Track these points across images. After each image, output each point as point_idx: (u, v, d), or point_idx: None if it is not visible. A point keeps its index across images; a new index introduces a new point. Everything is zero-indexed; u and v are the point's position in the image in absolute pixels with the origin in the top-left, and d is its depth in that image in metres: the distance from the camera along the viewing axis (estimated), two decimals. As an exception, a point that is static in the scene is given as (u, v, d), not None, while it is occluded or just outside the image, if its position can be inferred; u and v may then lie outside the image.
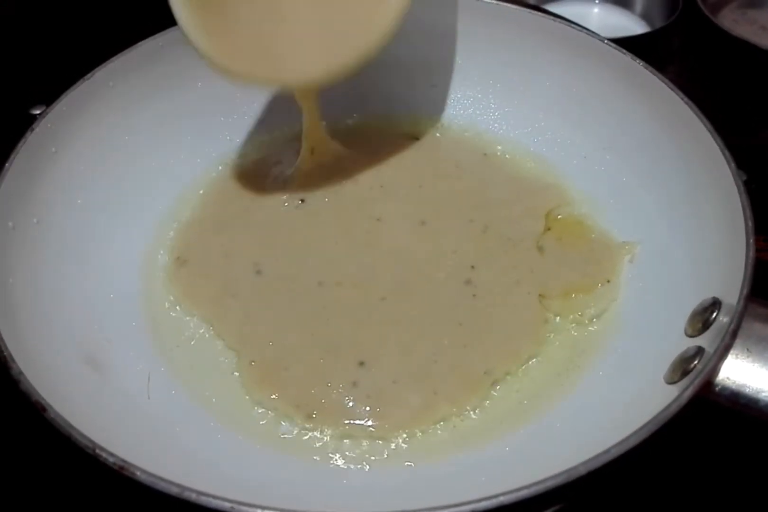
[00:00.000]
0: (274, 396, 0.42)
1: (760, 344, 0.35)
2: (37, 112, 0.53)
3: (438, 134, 0.56)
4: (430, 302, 0.46)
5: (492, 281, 0.47)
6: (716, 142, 0.42)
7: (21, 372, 0.34)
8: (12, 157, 0.42)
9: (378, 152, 0.54)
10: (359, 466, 0.40)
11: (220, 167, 0.54)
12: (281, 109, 0.55)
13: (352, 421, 0.41)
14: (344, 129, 0.56)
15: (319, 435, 0.41)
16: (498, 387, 0.43)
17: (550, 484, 0.30)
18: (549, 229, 0.50)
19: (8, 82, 0.66)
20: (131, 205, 0.50)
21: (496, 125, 0.57)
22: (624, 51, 0.49)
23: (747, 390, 0.35)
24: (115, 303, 0.45)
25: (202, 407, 0.42)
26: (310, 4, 0.43)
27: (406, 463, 0.40)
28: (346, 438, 0.41)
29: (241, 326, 0.45)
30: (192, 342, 0.45)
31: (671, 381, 0.36)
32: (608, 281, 0.47)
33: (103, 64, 0.48)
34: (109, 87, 0.49)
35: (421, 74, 0.56)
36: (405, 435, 0.41)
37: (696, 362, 0.35)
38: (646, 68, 0.48)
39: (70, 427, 0.32)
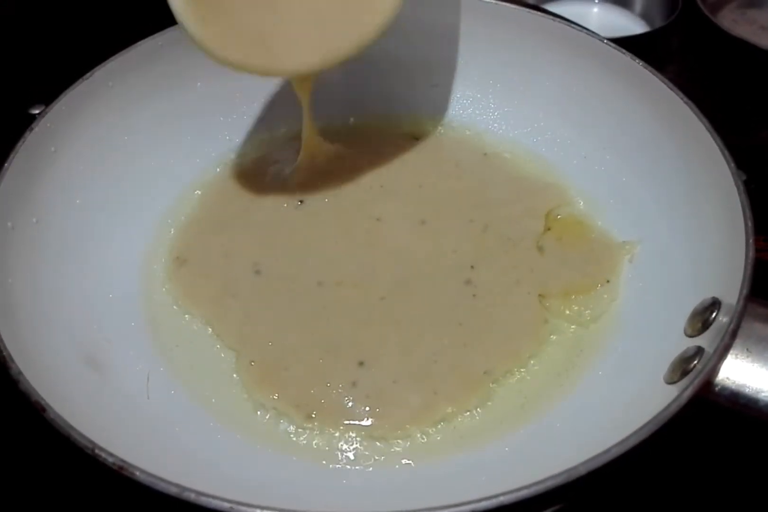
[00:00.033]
0: (273, 396, 0.42)
1: (760, 344, 0.35)
2: (37, 111, 0.53)
3: (438, 134, 0.56)
4: (430, 302, 0.46)
5: (492, 281, 0.47)
6: (716, 141, 0.42)
7: (20, 372, 0.34)
8: (11, 156, 0.42)
9: (378, 152, 0.54)
10: (359, 466, 0.40)
11: (219, 167, 0.54)
12: (281, 108, 0.55)
13: (351, 421, 0.41)
14: (344, 129, 0.56)
15: (318, 435, 0.41)
16: (498, 387, 0.43)
17: (550, 484, 0.30)
18: (549, 229, 0.50)
19: (7, 82, 0.66)
20: (131, 205, 0.50)
21: (496, 125, 0.57)
22: (624, 51, 0.49)
23: (747, 390, 0.35)
24: (114, 303, 0.45)
25: (202, 407, 0.42)
26: None
27: (405, 463, 0.40)
28: (346, 438, 0.41)
29: (240, 326, 0.45)
30: (192, 342, 0.45)
31: (671, 381, 0.36)
32: (608, 281, 0.47)
33: (103, 64, 0.48)
34: (109, 87, 0.49)
35: (421, 74, 0.56)
36: (405, 435, 0.41)
37: (696, 362, 0.35)
38: (645, 68, 0.48)
39: (70, 427, 0.32)
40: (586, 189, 0.52)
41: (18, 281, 0.40)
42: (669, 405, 0.32)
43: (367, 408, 0.41)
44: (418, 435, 0.41)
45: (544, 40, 0.52)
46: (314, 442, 0.41)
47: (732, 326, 0.35)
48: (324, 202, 0.51)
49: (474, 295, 0.46)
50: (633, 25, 0.75)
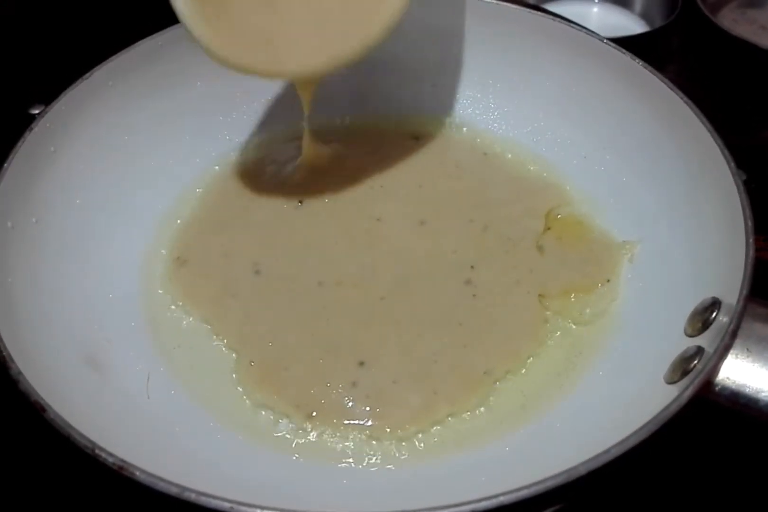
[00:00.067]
0: (273, 396, 0.42)
1: (760, 344, 0.35)
2: (36, 111, 0.53)
3: (438, 134, 0.56)
4: (430, 302, 0.46)
5: (492, 281, 0.47)
6: (716, 141, 0.42)
7: (20, 372, 0.34)
8: (11, 156, 0.42)
9: (378, 152, 0.54)
10: (359, 466, 0.39)
11: (219, 167, 0.54)
12: (281, 108, 0.55)
13: (351, 421, 0.41)
14: (344, 129, 0.56)
15: (318, 435, 0.41)
16: (498, 387, 0.43)
17: (550, 484, 0.30)
18: (549, 229, 0.50)
19: (7, 82, 0.66)
20: (131, 205, 0.50)
21: (495, 125, 0.57)
22: (623, 50, 0.49)
23: (747, 390, 0.35)
24: (114, 303, 0.45)
25: (202, 407, 0.42)
26: None
27: (405, 463, 0.40)
28: (345, 438, 0.41)
29: (240, 326, 0.45)
30: (192, 342, 0.45)
31: (671, 381, 0.36)
32: (608, 281, 0.47)
33: (102, 64, 0.48)
34: (109, 86, 0.49)
35: (421, 74, 0.56)
36: (405, 435, 0.40)
37: (696, 362, 0.35)
38: (645, 68, 0.48)
39: (70, 427, 0.32)
40: (586, 189, 0.52)
41: (18, 281, 0.40)
42: (669, 405, 0.32)
43: (368, 408, 0.41)
44: (419, 435, 0.41)
45: (544, 39, 0.52)
46: (314, 442, 0.40)
47: (732, 326, 0.35)
48: (324, 202, 0.51)
49: (474, 295, 0.46)
50: (633, 25, 0.75)
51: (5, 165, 0.42)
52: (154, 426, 0.39)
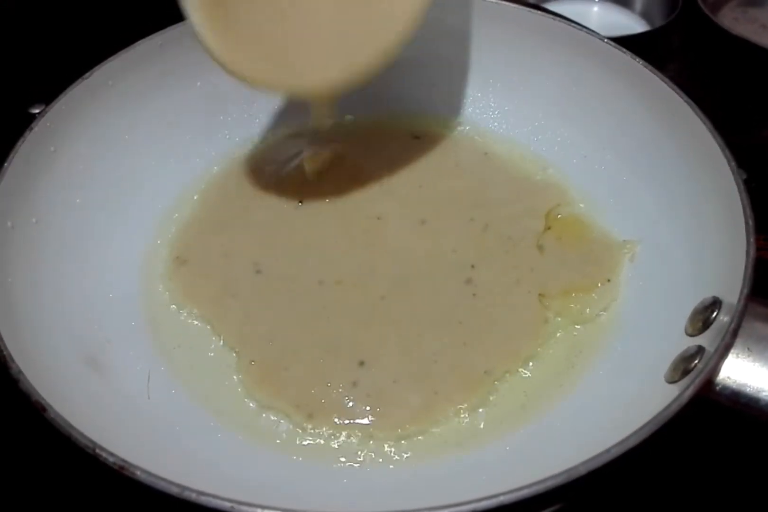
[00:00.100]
0: (274, 396, 0.42)
1: (761, 343, 0.35)
2: (36, 111, 0.53)
3: (438, 133, 0.56)
4: (430, 301, 0.46)
5: (492, 280, 0.47)
6: (716, 140, 0.42)
7: (20, 372, 0.34)
8: (11, 156, 0.42)
9: (378, 152, 0.54)
10: (359, 466, 0.40)
11: (219, 167, 0.54)
12: (281, 107, 0.55)
13: (352, 421, 0.41)
14: (345, 129, 0.56)
15: (319, 435, 0.41)
16: (498, 387, 0.43)
17: (550, 484, 0.30)
18: (549, 229, 0.50)
19: (7, 81, 0.66)
20: (130, 205, 0.50)
21: (495, 124, 0.57)
22: (624, 50, 0.49)
23: (748, 389, 0.35)
24: (114, 302, 0.45)
25: (202, 407, 0.42)
26: (327, 6, 0.42)
27: (406, 463, 0.40)
28: (346, 438, 0.41)
29: (241, 326, 0.45)
30: (192, 342, 0.45)
31: (672, 380, 0.36)
32: (608, 280, 0.47)
33: (102, 63, 0.48)
34: (108, 86, 0.49)
35: (421, 73, 0.56)
36: (405, 435, 0.41)
37: (696, 361, 0.35)
38: (645, 67, 0.48)
39: (70, 427, 0.32)
40: (587, 188, 0.52)
41: (18, 281, 0.40)
42: (670, 405, 0.32)
43: (368, 408, 0.41)
44: (419, 435, 0.41)
45: (545, 39, 0.52)
46: (314, 442, 0.40)
47: (733, 325, 0.35)
48: (324, 202, 0.51)
49: (474, 295, 0.46)
50: (633, 24, 0.75)
51: (5, 164, 0.42)
52: (154, 426, 0.39)
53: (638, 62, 0.48)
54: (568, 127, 0.54)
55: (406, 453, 0.40)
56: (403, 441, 0.40)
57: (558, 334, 0.45)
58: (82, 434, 0.32)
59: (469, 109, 0.57)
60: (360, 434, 0.41)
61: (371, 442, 0.40)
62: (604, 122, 0.52)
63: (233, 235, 0.50)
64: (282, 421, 0.41)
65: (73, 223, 0.46)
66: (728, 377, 0.35)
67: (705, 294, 0.39)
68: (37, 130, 0.44)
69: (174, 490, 0.30)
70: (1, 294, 0.39)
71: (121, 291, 0.46)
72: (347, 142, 0.54)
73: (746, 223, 0.38)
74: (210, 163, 0.54)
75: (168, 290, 0.47)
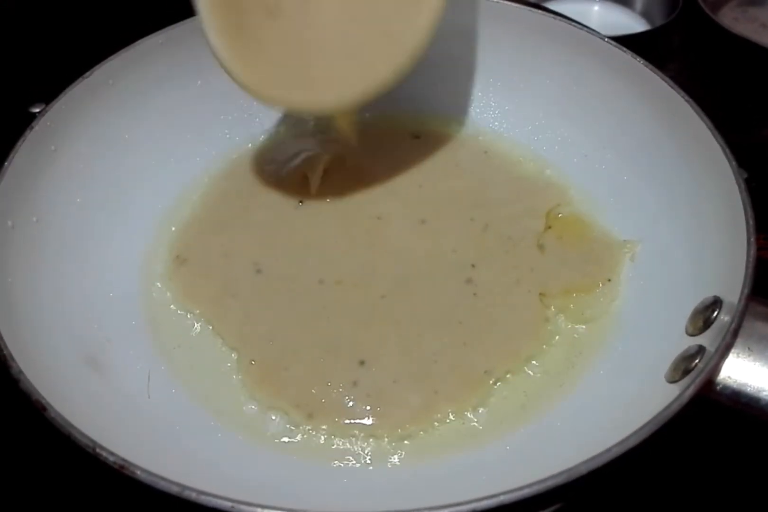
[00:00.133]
0: (274, 396, 0.42)
1: (762, 343, 0.35)
2: (37, 110, 0.53)
3: (438, 133, 0.56)
4: (430, 301, 0.46)
5: (492, 280, 0.47)
6: (717, 140, 0.42)
7: (21, 371, 0.34)
8: (11, 155, 0.42)
9: (378, 151, 0.54)
10: (359, 466, 0.40)
11: (219, 166, 0.54)
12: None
13: (352, 421, 0.41)
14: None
15: (319, 435, 0.41)
16: (498, 387, 0.43)
17: (550, 483, 0.30)
18: (549, 228, 0.50)
19: (8, 81, 0.66)
20: (131, 204, 0.50)
21: (496, 124, 0.56)
22: (624, 49, 0.49)
23: (748, 389, 0.35)
24: (114, 302, 0.45)
25: (202, 407, 0.42)
26: (341, 25, 0.43)
27: (406, 463, 0.40)
28: (346, 438, 0.41)
29: (241, 325, 0.45)
30: (192, 342, 0.45)
31: (672, 380, 0.36)
32: (609, 280, 0.47)
33: (103, 62, 0.48)
34: (109, 85, 0.49)
35: (421, 73, 0.56)
36: (405, 435, 0.41)
37: (697, 361, 0.35)
38: (646, 66, 0.48)
39: (70, 426, 0.32)
40: (587, 188, 0.52)
41: (18, 280, 0.40)
42: (670, 405, 0.32)
43: (368, 408, 0.41)
44: (419, 435, 0.41)
45: (545, 38, 0.52)
46: (314, 442, 0.40)
47: (733, 325, 0.35)
48: (324, 202, 0.51)
49: (474, 294, 0.46)
50: (634, 24, 0.75)
51: (6, 164, 0.42)
52: (154, 426, 0.39)
53: (639, 61, 0.48)
54: (569, 126, 0.54)
55: (406, 453, 0.40)
56: (403, 441, 0.40)
57: (558, 334, 0.45)
58: (82, 433, 0.32)
59: (470, 109, 0.57)
60: (360, 434, 0.41)
61: (371, 442, 0.40)
62: (605, 121, 0.52)
63: (233, 235, 0.50)
64: (282, 421, 0.41)
65: (74, 222, 0.46)
66: (729, 377, 0.35)
67: (705, 294, 0.39)
68: (38, 129, 0.44)
69: (174, 490, 0.30)
70: (1, 293, 0.38)
71: (121, 291, 0.46)
72: (347, 141, 0.54)
73: (747, 222, 0.38)
74: (210, 162, 0.54)
75: (168, 290, 0.47)
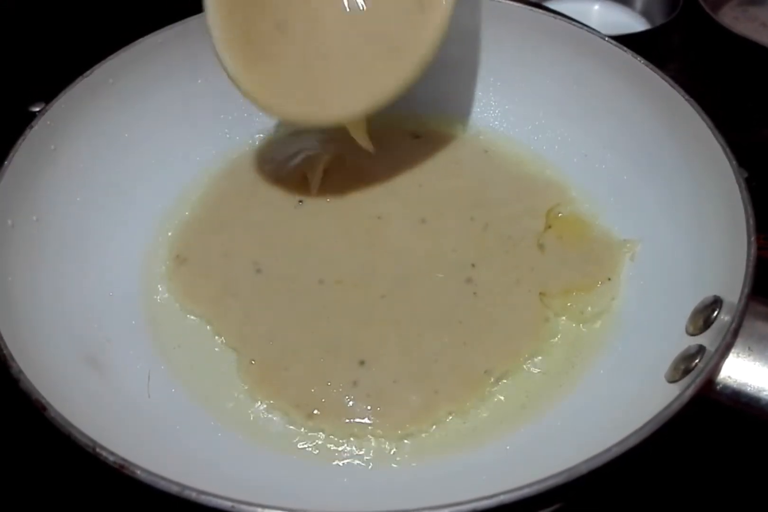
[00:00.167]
0: (274, 396, 0.42)
1: (762, 343, 0.35)
2: (37, 109, 0.53)
3: (438, 132, 0.56)
4: (430, 300, 0.46)
5: (492, 279, 0.47)
6: (717, 139, 0.42)
7: (21, 371, 0.34)
8: (11, 154, 0.42)
9: (378, 151, 0.54)
10: (359, 466, 0.39)
11: (219, 166, 0.54)
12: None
13: (352, 420, 0.41)
14: (344, 128, 0.56)
15: (319, 435, 0.41)
16: (498, 387, 0.43)
17: (550, 483, 0.30)
18: (549, 227, 0.50)
19: (7, 80, 0.66)
20: (131, 204, 0.50)
21: (496, 123, 0.56)
22: (624, 48, 0.49)
23: (748, 389, 0.35)
24: (114, 302, 0.45)
25: (202, 407, 0.42)
26: (348, 38, 0.43)
27: (406, 463, 0.40)
28: (346, 438, 0.41)
29: (241, 325, 0.45)
30: (192, 342, 0.45)
31: (672, 379, 0.36)
32: (609, 279, 0.47)
33: (102, 62, 0.48)
34: (109, 84, 0.49)
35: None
36: (405, 435, 0.40)
37: (697, 361, 0.35)
38: (646, 65, 0.48)
39: (70, 426, 0.32)
40: (587, 187, 0.52)
41: (18, 279, 0.40)
42: (670, 404, 0.32)
43: (368, 408, 0.41)
44: (419, 435, 0.41)
45: (545, 37, 0.52)
46: (314, 442, 0.40)
47: (734, 325, 0.35)
48: (324, 201, 0.51)
49: (474, 294, 0.46)
50: (634, 23, 0.74)
51: (5, 163, 0.42)
52: (154, 426, 0.39)
53: (639, 61, 0.48)
54: (569, 125, 0.53)
55: (406, 453, 0.40)
56: (403, 441, 0.40)
57: (558, 334, 0.45)
58: (82, 433, 0.32)
59: (470, 108, 0.57)
60: (360, 433, 0.41)
61: (371, 442, 0.40)
62: (605, 121, 0.51)
63: (233, 235, 0.50)
64: (282, 421, 0.41)
65: (74, 221, 0.46)
66: (729, 376, 0.35)
67: (706, 294, 0.39)
68: (38, 128, 0.44)
69: (174, 489, 0.30)
70: (1, 293, 0.38)
71: (121, 291, 0.46)
72: (347, 141, 0.54)
73: (747, 221, 0.38)
74: (210, 162, 0.54)
75: (168, 290, 0.47)
